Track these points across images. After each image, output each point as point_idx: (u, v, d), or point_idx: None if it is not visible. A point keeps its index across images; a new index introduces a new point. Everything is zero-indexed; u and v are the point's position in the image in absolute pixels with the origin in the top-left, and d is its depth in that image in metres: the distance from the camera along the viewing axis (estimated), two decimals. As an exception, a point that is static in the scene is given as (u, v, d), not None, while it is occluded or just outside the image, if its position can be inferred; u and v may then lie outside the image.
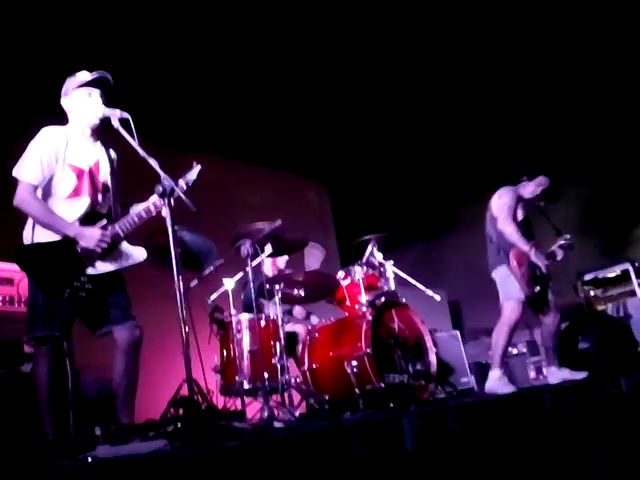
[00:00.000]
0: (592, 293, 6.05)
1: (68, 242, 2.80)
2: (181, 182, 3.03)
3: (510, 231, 4.15)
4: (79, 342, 3.15)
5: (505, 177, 4.57)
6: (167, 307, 2.96)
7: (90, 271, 2.82)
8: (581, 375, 4.10)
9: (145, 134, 5.45)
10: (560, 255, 4.36)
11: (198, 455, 2.06)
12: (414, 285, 4.62)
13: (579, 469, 3.17)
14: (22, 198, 2.79)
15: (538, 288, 4.15)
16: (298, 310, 4.79)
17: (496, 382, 4.04)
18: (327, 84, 6.05)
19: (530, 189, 4.36)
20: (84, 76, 2.99)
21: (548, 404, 3.33)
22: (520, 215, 4.30)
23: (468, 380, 5.25)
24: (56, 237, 2.82)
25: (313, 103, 6.30)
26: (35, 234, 2.83)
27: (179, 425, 2.41)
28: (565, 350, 4.45)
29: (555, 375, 4.23)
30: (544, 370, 5.21)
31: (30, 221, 2.86)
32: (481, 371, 5.81)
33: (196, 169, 3.10)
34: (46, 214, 2.82)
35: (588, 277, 5.96)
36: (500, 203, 4.27)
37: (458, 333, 5.54)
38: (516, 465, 2.89)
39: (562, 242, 4.36)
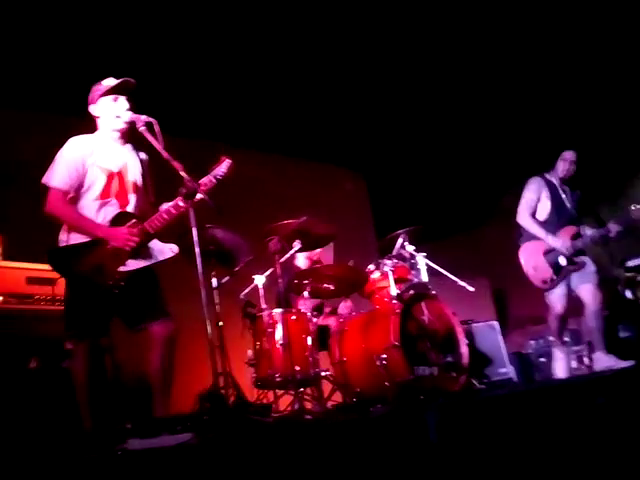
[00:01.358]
0: (638, 279, 5.86)
1: (99, 242, 2.92)
2: (210, 177, 3.08)
3: (526, 224, 4.33)
4: (122, 337, 3.28)
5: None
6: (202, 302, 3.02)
7: (122, 269, 2.93)
8: (628, 363, 3.96)
9: (180, 131, 5.64)
10: (615, 230, 4.17)
11: (221, 448, 2.14)
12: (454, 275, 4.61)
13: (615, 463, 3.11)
14: (53, 205, 2.93)
15: (555, 277, 4.15)
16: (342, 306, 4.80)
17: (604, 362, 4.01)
18: (363, 74, 6.03)
19: (560, 168, 4.41)
20: (109, 82, 3.10)
21: (584, 395, 3.27)
22: (548, 205, 4.34)
23: (507, 371, 5.16)
24: (88, 239, 2.94)
25: (349, 93, 6.29)
26: (70, 237, 2.97)
27: (206, 419, 2.51)
28: (607, 339, 4.34)
29: (601, 361, 4.09)
30: (585, 359, 5.11)
31: (65, 225, 3.00)
32: (521, 361, 5.75)
33: (225, 163, 3.13)
34: (76, 218, 2.95)
35: (631, 263, 5.78)
36: (521, 198, 4.43)
37: (496, 323, 5.44)
38: (544, 458, 2.86)
39: (625, 215, 4.20)
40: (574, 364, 5.45)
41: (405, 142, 7.28)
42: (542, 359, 5.69)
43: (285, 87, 5.95)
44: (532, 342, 5.81)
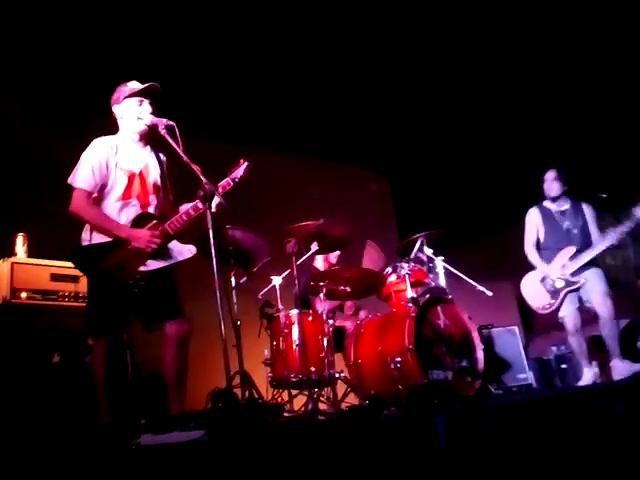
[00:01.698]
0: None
1: (121, 242, 2.99)
2: (228, 179, 3.15)
3: (528, 255, 4.55)
4: (142, 334, 3.36)
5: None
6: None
7: (142, 268, 3.00)
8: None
9: (205, 132, 5.70)
10: (616, 239, 4.22)
11: (230, 446, 2.19)
12: (476, 279, 4.63)
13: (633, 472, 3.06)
14: (77, 205, 3.01)
15: (553, 302, 4.32)
16: (349, 305, 4.87)
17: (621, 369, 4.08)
18: (389, 76, 6.04)
19: (545, 189, 4.55)
20: (135, 85, 3.19)
21: (597, 403, 3.24)
22: (543, 231, 4.52)
23: (526, 376, 5.12)
24: (110, 238, 3.02)
25: (374, 95, 6.30)
26: (92, 236, 3.05)
27: (217, 417, 2.57)
28: (625, 347, 4.33)
29: (618, 369, 4.10)
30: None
31: (88, 224, 3.08)
32: (542, 367, 5.68)
33: (242, 166, 3.19)
34: (99, 219, 3.03)
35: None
36: None
37: (516, 328, 5.39)
38: (558, 467, 2.84)
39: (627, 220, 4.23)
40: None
41: (432, 143, 7.26)
42: (563, 365, 5.62)
43: (313, 89, 5.99)
44: (553, 348, 5.74)
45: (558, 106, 6.32)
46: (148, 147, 3.28)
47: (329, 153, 7.32)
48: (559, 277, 4.32)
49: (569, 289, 4.29)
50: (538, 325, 7.43)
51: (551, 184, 4.50)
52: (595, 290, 4.21)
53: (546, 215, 4.53)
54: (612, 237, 4.20)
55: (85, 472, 2.08)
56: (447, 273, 4.46)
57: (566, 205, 4.50)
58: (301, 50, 5.46)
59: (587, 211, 4.45)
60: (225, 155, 3.30)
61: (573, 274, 4.28)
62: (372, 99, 6.38)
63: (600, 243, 4.25)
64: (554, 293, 4.33)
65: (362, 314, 4.71)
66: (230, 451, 2.16)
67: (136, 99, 3.17)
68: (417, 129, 7.01)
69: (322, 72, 5.82)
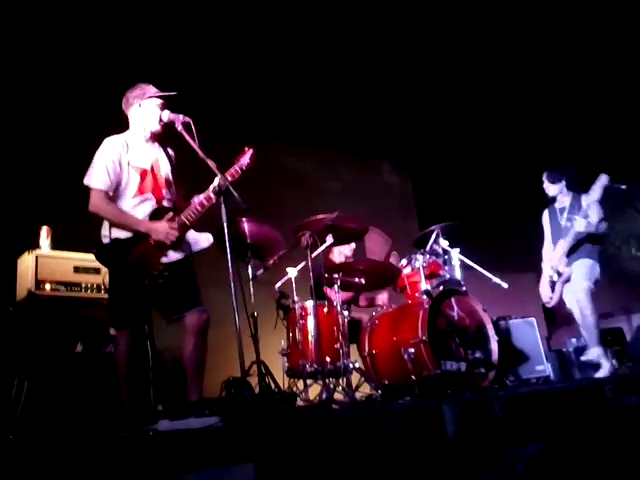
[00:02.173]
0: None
1: (142, 237, 3.08)
2: (236, 167, 3.17)
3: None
4: (161, 325, 3.46)
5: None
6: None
7: (164, 260, 3.09)
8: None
9: (222, 126, 5.75)
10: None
11: (245, 432, 2.26)
12: (500, 271, 4.67)
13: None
14: (95, 204, 3.09)
15: (551, 294, 4.51)
16: (363, 298, 4.90)
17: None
18: (407, 69, 6.05)
19: (545, 189, 4.69)
20: (152, 89, 3.26)
21: (610, 396, 3.23)
22: (549, 231, 4.73)
23: (544, 368, 5.12)
24: (131, 234, 3.10)
25: (398, 88, 6.32)
26: (112, 232, 3.12)
27: (231, 404, 2.65)
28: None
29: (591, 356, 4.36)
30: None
31: (107, 222, 3.17)
32: (561, 359, 5.66)
33: (248, 154, 3.22)
34: (118, 215, 3.11)
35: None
36: None
37: (534, 319, 5.38)
38: (564, 459, 2.85)
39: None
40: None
41: (453, 137, 7.24)
42: (583, 357, 5.60)
43: (337, 84, 6.03)
44: (573, 340, 5.70)
45: (574, 102, 6.28)
46: (156, 143, 3.35)
47: (349, 146, 7.37)
48: (552, 270, 4.50)
49: (561, 280, 4.45)
50: (560, 317, 7.38)
51: (547, 186, 4.68)
52: (574, 282, 4.32)
53: (551, 215, 4.73)
54: (579, 224, 4.30)
55: (103, 455, 2.17)
56: (464, 265, 4.48)
57: (567, 201, 4.60)
58: (322, 42, 5.48)
59: (584, 202, 4.44)
60: (241, 148, 3.35)
61: (565, 265, 4.42)
62: (395, 92, 6.39)
63: (572, 229, 4.36)
64: (552, 286, 4.50)
65: (384, 295, 4.73)
66: (244, 437, 2.23)
67: (160, 102, 3.24)
68: (440, 121, 7.00)
69: (343, 65, 5.84)
